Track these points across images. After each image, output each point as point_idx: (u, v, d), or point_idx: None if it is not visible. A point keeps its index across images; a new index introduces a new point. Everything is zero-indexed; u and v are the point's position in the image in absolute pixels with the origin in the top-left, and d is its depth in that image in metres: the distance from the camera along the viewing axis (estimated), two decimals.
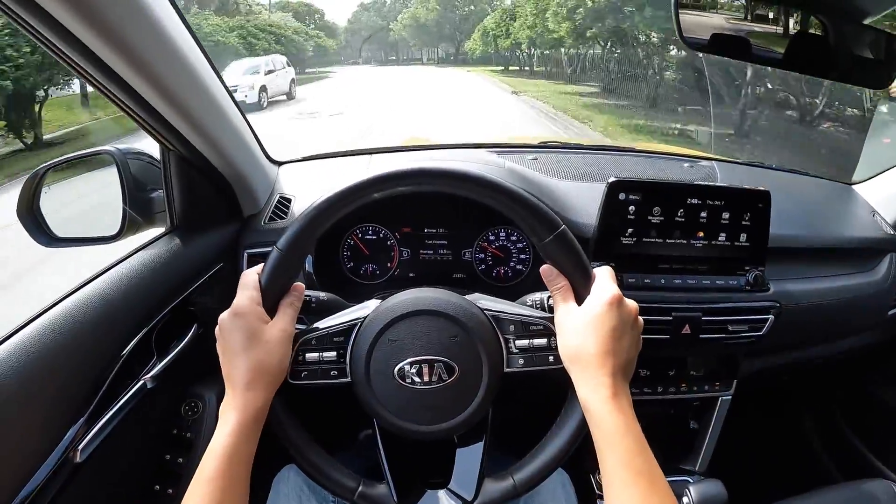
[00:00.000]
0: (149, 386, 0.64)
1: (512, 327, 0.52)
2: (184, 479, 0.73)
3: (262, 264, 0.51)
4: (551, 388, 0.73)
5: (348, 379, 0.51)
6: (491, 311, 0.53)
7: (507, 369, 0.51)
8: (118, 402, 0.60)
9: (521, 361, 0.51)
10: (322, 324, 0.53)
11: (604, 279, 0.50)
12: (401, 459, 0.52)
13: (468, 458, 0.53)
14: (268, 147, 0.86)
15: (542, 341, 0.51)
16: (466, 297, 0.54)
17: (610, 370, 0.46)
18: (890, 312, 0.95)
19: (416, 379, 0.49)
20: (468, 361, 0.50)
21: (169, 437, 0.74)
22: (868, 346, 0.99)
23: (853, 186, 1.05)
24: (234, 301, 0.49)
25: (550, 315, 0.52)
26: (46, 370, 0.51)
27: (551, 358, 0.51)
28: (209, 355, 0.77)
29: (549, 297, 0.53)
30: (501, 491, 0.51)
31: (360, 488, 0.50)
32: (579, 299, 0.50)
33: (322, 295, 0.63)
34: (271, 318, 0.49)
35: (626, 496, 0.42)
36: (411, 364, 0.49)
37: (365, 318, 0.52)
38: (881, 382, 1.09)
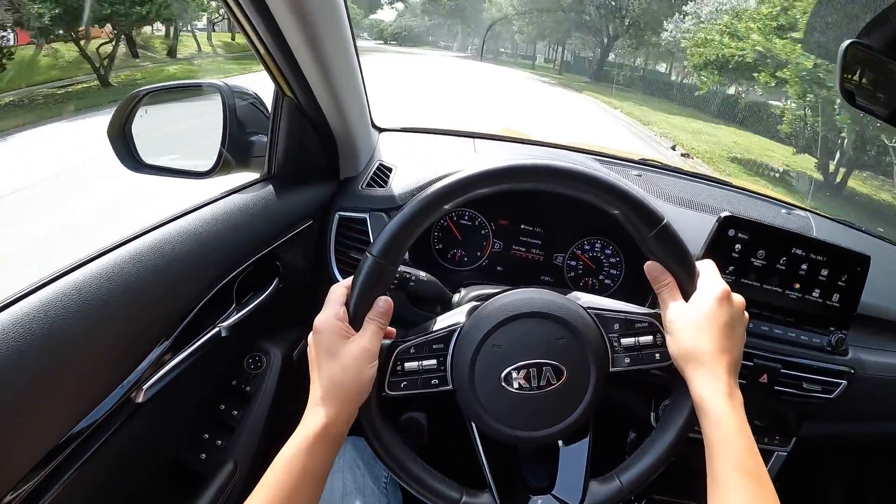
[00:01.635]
0: (223, 334, 0.63)
1: (616, 325, 0.50)
2: (236, 433, 0.72)
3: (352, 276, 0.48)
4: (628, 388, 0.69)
5: (450, 386, 0.49)
6: (594, 308, 0.51)
7: (612, 369, 0.50)
8: (191, 345, 0.58)
9: (628, 360, 0.50)
10: (419, 332, 0.51)
11: (710, 273, 0.49)
12: (500, 465, 0.51)
13: (571, 461, 0.51)
14: None
15: (648, 339, 0.50)
16: (565, 296, 0.53)
17: (726, 368, 0.46)
18: None
19: (524, 384, 0.47)
20: (575, 363, 0.48)
21: (227, 388, 0.73)
22: None
23: None
24: (317, 317, 0.47)
25: (654, 311, 0.51)
26: (124, 302, 0.49)
27: (657, 356, 0.50)
28: (283, 312, 0.76)
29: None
30: (609, 493, 0.49)
31: (462, 498, 0.49)
32: (686, 295, 0.49)
33: (422, 275, 0.61)
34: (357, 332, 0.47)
35: (735, 497, 0.42)
36: (518, 369, 0.47)
37: (463, 323, 0.50)
38: None
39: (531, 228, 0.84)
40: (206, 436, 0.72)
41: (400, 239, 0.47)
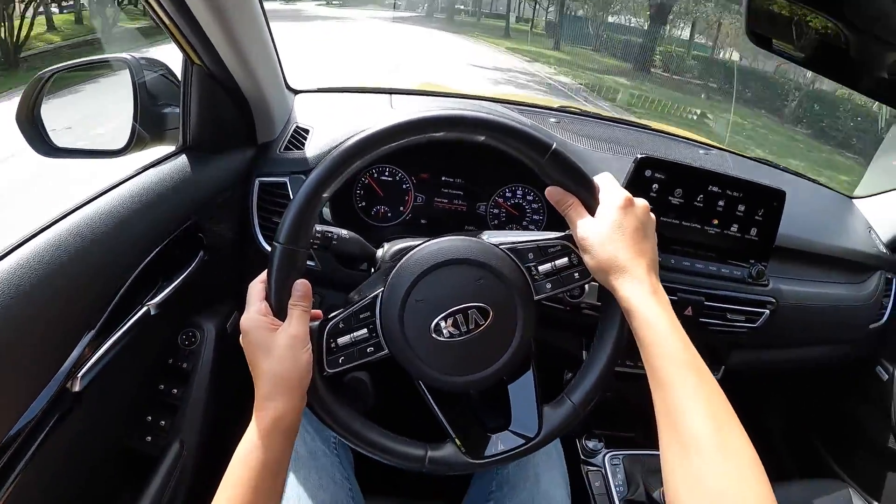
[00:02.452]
0: (152, 312, 0.62)
1: (531, 255, 0.52)
2: (178, 411, 0.71)
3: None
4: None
5: (386, 351, 0.50)
6: (505, 244, 0.52)
7: (537, 297, 0.51)
8: (121, 328, 0.58)
9: (549, 286, 0.51)
10: (345, 306, 0.51)
11: (609, 185, 0.51)
12: (456, 414, 0.52)
13: (521, 395, 0.52)
14: None
15: (564, 261, 0.51)
16: (475, 238, 0.53)
17: (645, 269, 0.47)
18: (871, 326, 1.00)
19: (454, 331, 0.48)
20: (499, 300, 0.49)
21: (164, 367, 0.72)
22: (844, 357, 1.04)
23: (854, 200, 1.09)
24: (242, 318, 0.47)
25: (565, 233, 0.52)
26: (48, 290, 0.48)
27: (577, 275, 0.51)
28: (211, 285, 0.75)
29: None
30: (563, 416, 0.51)
31: (427, 453, 0.50)
32: (591, 211, 0.50)
33: (344, 232, 0.61)
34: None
35: (679, 392, 0.42)
36: (445, 318, 0.48)
37: (383, 288, 0.51)
38: (850, 393, 1.15)
39: (452, 180, 0.85)
40: (150, 418, 0.72)
41: (301, 221, 0.47)
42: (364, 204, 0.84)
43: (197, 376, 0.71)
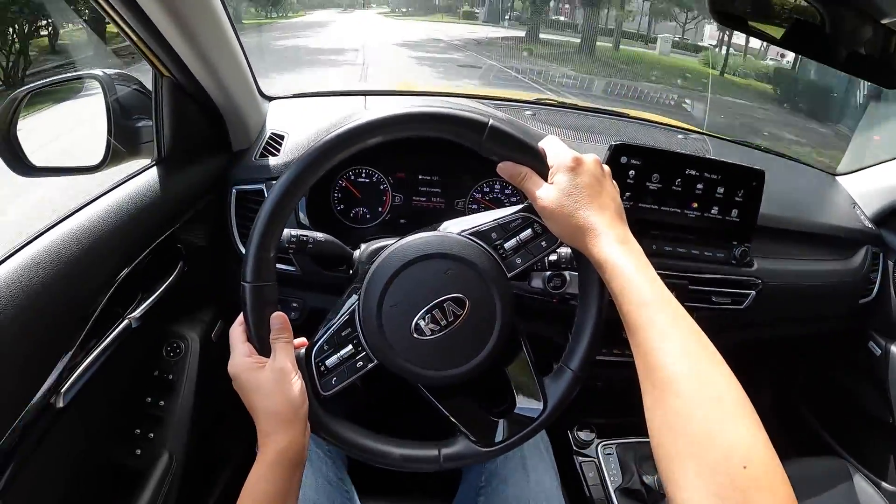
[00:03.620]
0: (133, 325, 0.62)
1: (494, 234, 0.51)
2: (165, 423, 0.71)
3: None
4: None
5: (375, 362, 0.50)
6: (466, 228, 0.52)
7: (510, 273, 0.51)
8: (102, 342, 0.58)
9: (519, 260, 0.51)
10: (324, 328, 0.52)
11: (555, 148, 0.50)
12: (460, 406, 0.52)
13: (519, 373, 0.52)
14: None
15: (528, 232, 0.51)
16: (436, 232, 0.53)
17: (608, 221, 0.46)
18: (861, 301, 1.00)
19: (434, 327, 0.48)
20: (471, 285, 0.49)
21: (150, 379, 0.72)
22: (835, 332, 1.03)
23: (837, 178, 1.09)
24: (228, 365, 0.48)
25: (523, 205, 0.52)
26: (27, 310, 0.48)
27: (543, 243, 0.51)
28: (193, 294, 0.75)
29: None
30: (567, 384, 0.51)
31: (441, 452, 0.50)
32: (544, 177, 0.49)
33: (319, 236, 0.61)
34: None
35: (648, 332, 0.40)
36: (422, 317, 0.48)
37: (357, 301, 0.50)
38: (841, 368, 1.15)
39: (429, 178, 0.85)
40: (138, 431, 0.71)
41: (262, 256, 0.47)
42: (342, 207, 0.85)
43: (182, 387, 0.71)
